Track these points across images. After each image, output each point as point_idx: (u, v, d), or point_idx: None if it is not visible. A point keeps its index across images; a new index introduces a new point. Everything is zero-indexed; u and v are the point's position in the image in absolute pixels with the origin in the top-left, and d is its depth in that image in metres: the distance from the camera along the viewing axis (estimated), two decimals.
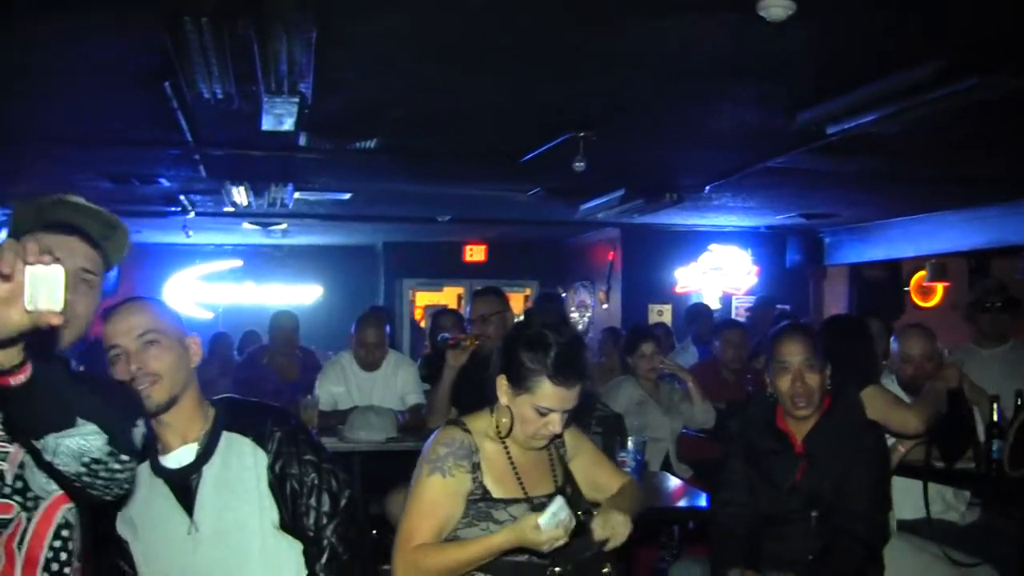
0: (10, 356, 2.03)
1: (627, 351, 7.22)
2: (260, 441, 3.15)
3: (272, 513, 3.12)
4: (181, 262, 16.61)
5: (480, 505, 3.41)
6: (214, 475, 3.08)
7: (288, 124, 6.14)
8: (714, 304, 13.78)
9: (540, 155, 7.91)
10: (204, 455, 3.09)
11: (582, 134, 7.11)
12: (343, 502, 3.21)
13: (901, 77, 5.46)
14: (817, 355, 4.32)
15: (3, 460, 2.53)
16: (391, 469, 6.05)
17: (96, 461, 2.35)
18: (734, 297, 14.36)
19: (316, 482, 3.16)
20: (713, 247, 14.22)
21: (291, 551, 3.15)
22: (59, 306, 1.92)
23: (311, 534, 3.14)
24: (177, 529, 3.04)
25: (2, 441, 2.53)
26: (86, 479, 2.38)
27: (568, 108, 6.78)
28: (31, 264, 1.90)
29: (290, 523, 3.13)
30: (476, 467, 3.43)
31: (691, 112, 6.78)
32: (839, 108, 6.10)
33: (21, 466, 2.55)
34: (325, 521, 3.15)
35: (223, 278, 17.12)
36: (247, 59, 5.05)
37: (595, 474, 3.79)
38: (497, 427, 3.51)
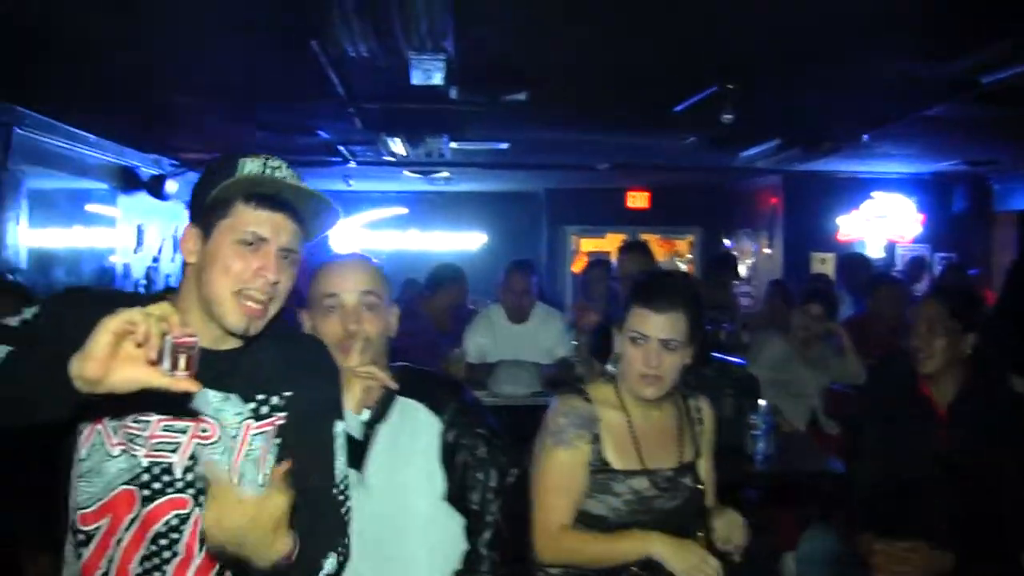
0: None
1: (801, 301, 7.17)
2: (435, 408, 3.15)
3: (439, 482, 3.10)
4: (347, 209, 16.59)
5: (599, 477, 3.41)
6: (387, 435, 3.08)
7: (437, 78, 6.17)
8: (877, 253, 13.52)
9: (693, 105, 7.81)
10: (380, 414, 3.10)
11: (730, 86, 7.00)
12: (511, 480, 3.17)
13: None
14: (950, 318, 4.23)
15: (173, 452, 2.45)
16: (536, 423, 6.09)
17: None
18: (898, 246, 13.98)
19: (486, 456, 3.13)
20: (876, 194, 13.87)
21: (453, 523, 3.12)
22: (193, 375, 2.08)
23: (476, 508, 3.10)
24: None
25: (173, 431, 2.45)
26: None
27: (719, 59, 6.65)
28: (173, 336, 2.06)
29: (457, 495, 3.10)
30: (596, 437, 3.43)
31: (842, 63, 6.60)
32: (992, 58, 5.90)
33: (192, 459, 2.46)
34: (492, 496, 3.10)
35: (388, 225, 17.30)
36: (388, 18, 5.10)
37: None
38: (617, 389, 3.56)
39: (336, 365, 2.82)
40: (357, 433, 2.94)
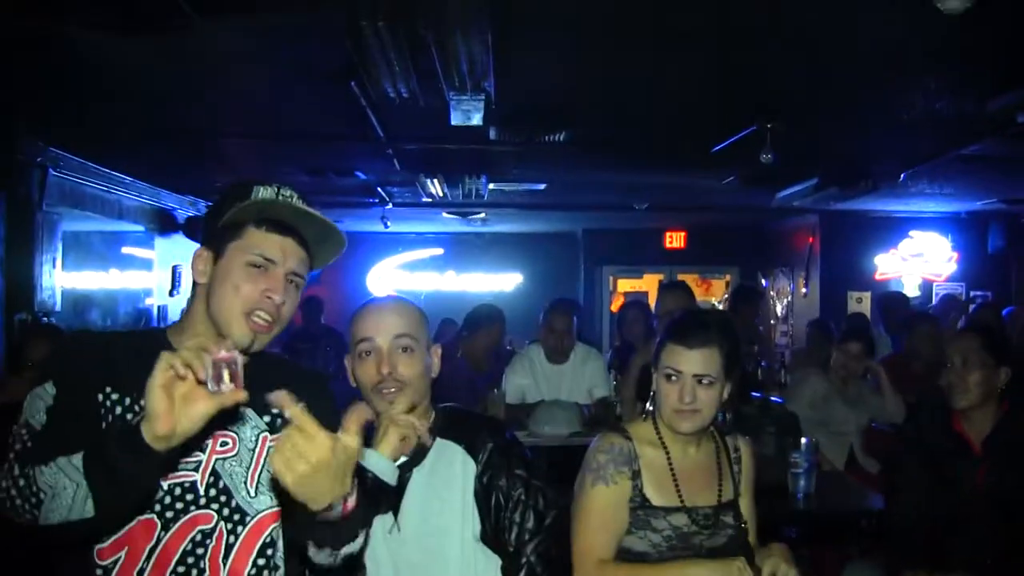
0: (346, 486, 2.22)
1: (840, 340, 7.17)
2: (472, 450, 3.11)
3: (474, 524, 3.05)
4: (384, 250, 16.94)
5: (639, 513, 3.38)
6: (423, 479, 3.06)
7: (476, 119, 6.19)
8: (913, 292, 13.48)
9: (731, 144, 7.81)
10: (416, 458, 3.07)
11: (769, 125, 6.99)
12: (548, 521, 3.11)
13: None
14: (983, 351, 4.26)
15: (195, 470, 2.52)
16: (577, 464, 6.05)
17: None
18: (934, 284, 13.97)
19: (523, 497, 3.07)
20: (913, 233, 13.87)
21: (489, 564, 3.07)
22: (240, 387, 2.15)
23: (511, 549, 3.04)
24: (378, 527, 2.99)
25: (194, 450, 2.50)
26: None
27: (758, 98, 6.68)
28: (212, 355, 2.12)
29: (491, 536, 3.05)
30: (636, 474, 3.41)
31: (881, 102, 6.61)
32: None
33: (214, 474, 2.54)
34: (527, 538, 3.04)
35: (425, 266, 17.37)
36: (428, 59, 5.13)
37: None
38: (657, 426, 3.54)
39: (330, 395, 2.85)
40: (391, 478, 2.88)
